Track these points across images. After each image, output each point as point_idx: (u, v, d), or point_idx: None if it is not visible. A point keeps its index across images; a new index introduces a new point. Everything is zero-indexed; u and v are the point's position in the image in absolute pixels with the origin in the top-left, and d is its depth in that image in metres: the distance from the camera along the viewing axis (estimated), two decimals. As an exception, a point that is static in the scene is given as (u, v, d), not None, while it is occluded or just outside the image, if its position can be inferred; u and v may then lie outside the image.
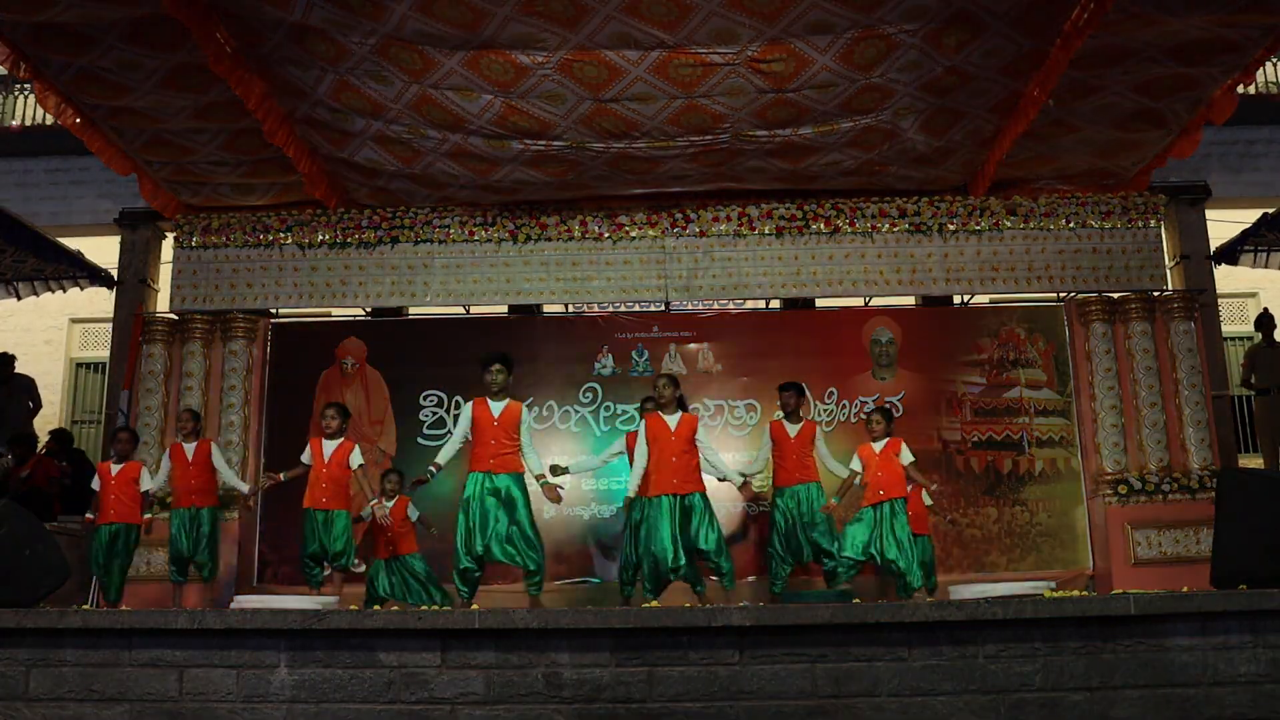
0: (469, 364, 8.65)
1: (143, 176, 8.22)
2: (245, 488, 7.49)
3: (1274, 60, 9.83)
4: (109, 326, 9.40)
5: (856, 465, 6.85)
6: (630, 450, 6.82)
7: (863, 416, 8.52)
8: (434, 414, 8.66)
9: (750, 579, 8.00)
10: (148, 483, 7.09)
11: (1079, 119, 7.55)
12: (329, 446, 6.88)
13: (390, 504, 6.92)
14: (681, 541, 6.05)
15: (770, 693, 4.27)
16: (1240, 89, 7.34)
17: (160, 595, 7.77)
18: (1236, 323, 10.58)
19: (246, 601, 5.83)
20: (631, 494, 6.25)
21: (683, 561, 6.05)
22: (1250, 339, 9.49)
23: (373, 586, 6.99)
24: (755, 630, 4.32)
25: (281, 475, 6.98)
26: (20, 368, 9.29)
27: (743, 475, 7.02)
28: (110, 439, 7.30)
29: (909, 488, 6.74)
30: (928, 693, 4.28)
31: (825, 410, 8.56)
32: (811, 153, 7.78)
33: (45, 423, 9.75)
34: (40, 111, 9.93)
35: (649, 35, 6.21)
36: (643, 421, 6.46)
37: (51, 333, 10.95)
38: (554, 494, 6.26)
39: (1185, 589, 6.29)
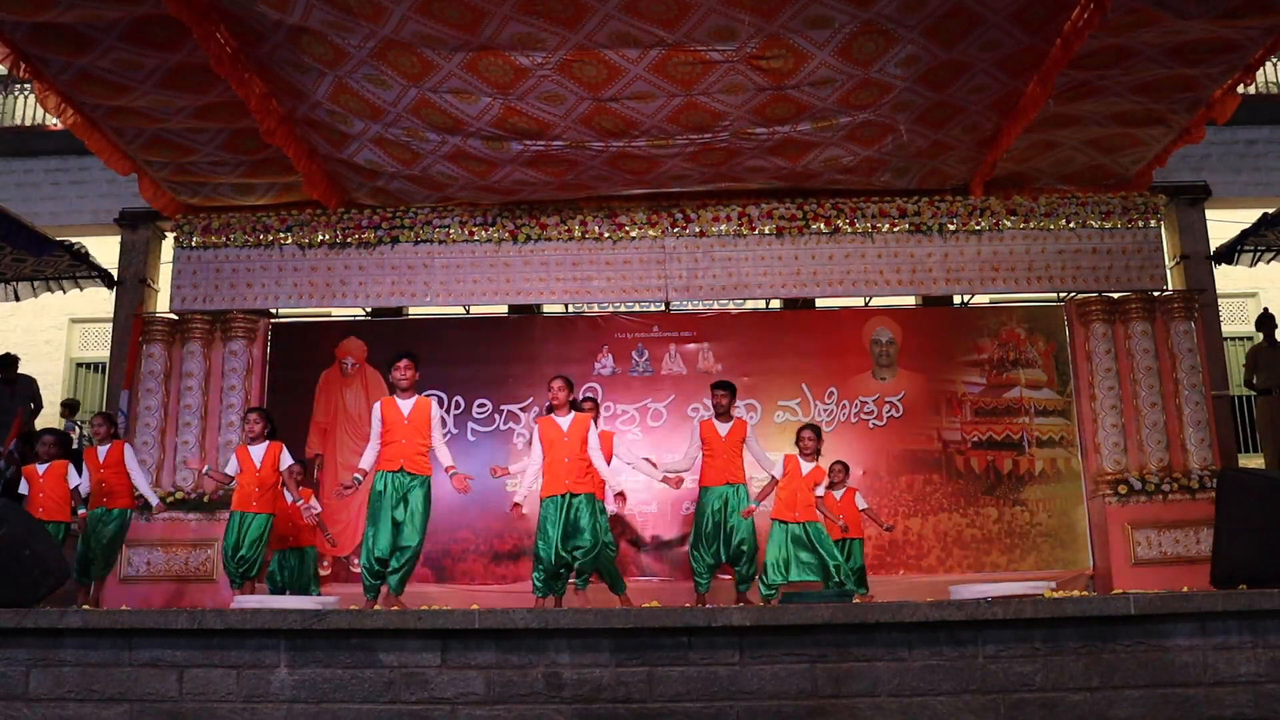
0: (469, 364, 8.75)
1: (143, 176, 8.22)
2: (154, 498, 7.27)
3: (1274, 60, 9.83)
4: (109, 326, 9.41)
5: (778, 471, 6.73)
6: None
7: (863, 417, 8.57)
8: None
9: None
10: (75, 479, 6.93)
11: (1079, 118, 7.55)
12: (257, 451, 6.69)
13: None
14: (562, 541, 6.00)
15: (770, 693, 4.27)
16: (1240, 89, 7.34)
17: (160, 595, 7.78)
18: (1236, 323, 10.58)
19: (246, 601, 5.83)
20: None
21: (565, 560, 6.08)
22: (1250, 339, 9.49)
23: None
24: (755, 630, 4.32)
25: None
26: (21, 368, 9.29)
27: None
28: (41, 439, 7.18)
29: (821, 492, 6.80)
30: (928, 693, 4.28)
31: (825, 410, 8.56)
32: (810, 148, 7.76)
33: (44, 423, 9.74)
34: (40, 111, 9.93)
35: (648, 33, 6.21)
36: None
37: (51, 333, 10.96)
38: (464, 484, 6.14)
39: (1185, 589, 6.30)
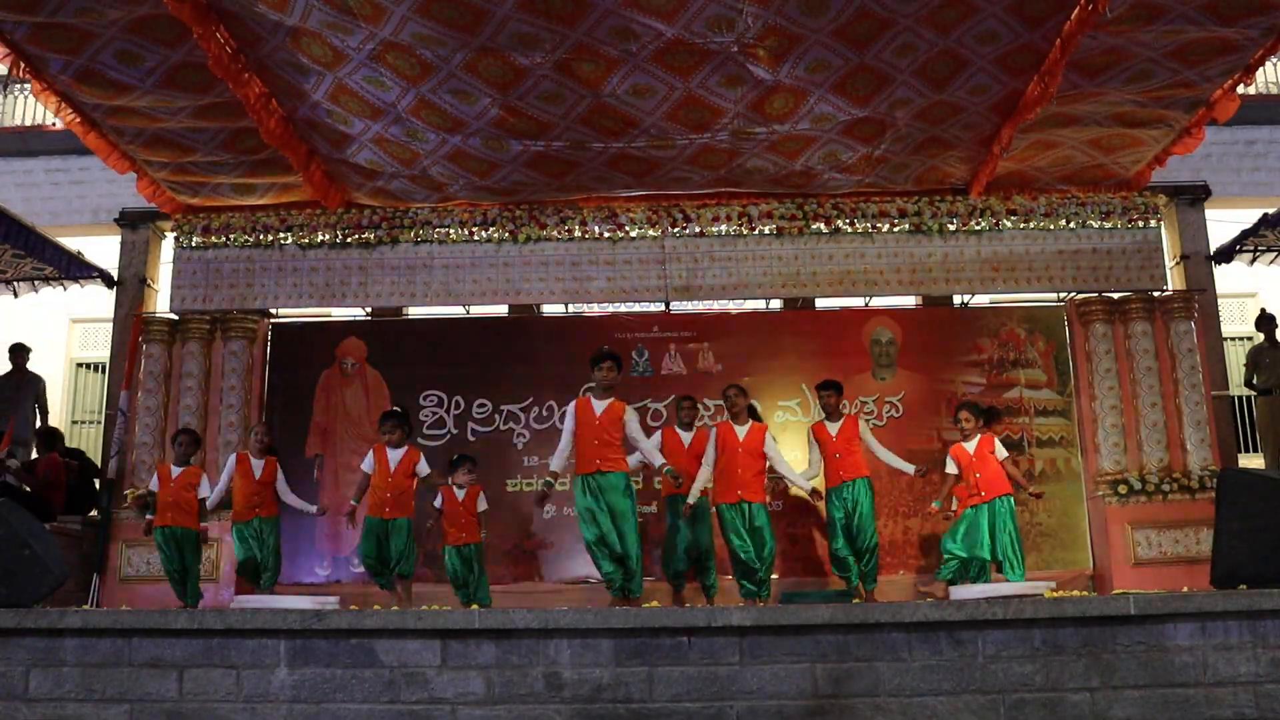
0: (469, 364, 8.75)
1: (142, 176, 8.22)
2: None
3: (1274, 60, 9.83)
4: (109, 326, 9.41)
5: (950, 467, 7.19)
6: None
7: (863, 417, 8.57)
8: (434, 414, 8.66)
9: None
10: (206, 490, 7.11)
11: (1079, 119, 7.55)
12: (394, 455, 6.91)
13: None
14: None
15: (770, 693, 4.27)
16: (1240, 89, 7.34)
17: (161, 595, 7.78)
18: (1236, 323, 10.58)
19: (246, 601, 5.83)
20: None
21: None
22: (1250, 339, 9.49)
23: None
24: (755, 630, 4.32)
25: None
26: (21, 368, 9.35)
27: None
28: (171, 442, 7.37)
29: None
30: (928, 693, 4.27)
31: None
32: (809, 144, 7.73)
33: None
34: (40, 111, 9.93)
35: (647, 27, 6.20)
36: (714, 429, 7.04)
37: (51, 333, 10.95)
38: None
39: (1185, 589, 6.30)
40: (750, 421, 6.91)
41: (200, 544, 7.17)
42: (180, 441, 7.23)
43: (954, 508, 7.16)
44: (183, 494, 7.00)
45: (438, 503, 7.09)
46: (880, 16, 6.25)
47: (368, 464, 6.92)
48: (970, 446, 7.10)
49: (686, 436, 7.24)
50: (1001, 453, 7.05)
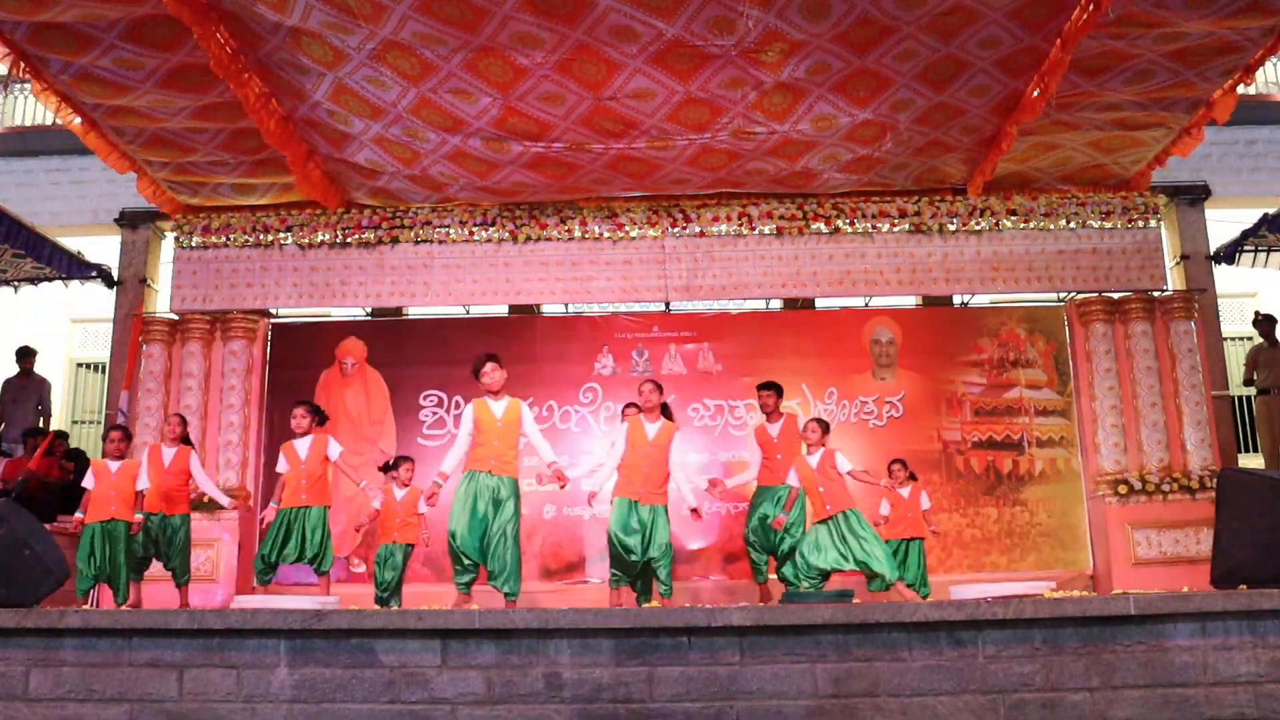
0: (469, 364, 8.72)
1: (142, 176, 8.22)
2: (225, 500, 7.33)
3: (1274, 60, 9.83)
4: (109, 326, 9.41)
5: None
6: None
7: (863, 417, 8.58)
8: (434, 414, 8.66)
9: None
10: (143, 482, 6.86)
11: (1079, 120, 7.55)
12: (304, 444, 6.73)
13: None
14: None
15: (770, 693, 4.26)
16: (1240, 89, 7.34)
17: (161, 595, 7.77)
18: (1236, 323, 10.58)
19: (246, 601, 5.83)
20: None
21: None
22: (1250, 339, 9.50)
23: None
24: (755, 630, 4.32)
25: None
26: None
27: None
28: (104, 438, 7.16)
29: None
30: (928, 693, 4.27)
31: (825, 410, 8.56)
32: (809, 148, 7.76)
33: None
34: (40, 111, 9.93)
35: (647, 26, 6.20)
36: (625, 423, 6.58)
37: (51, 333, 10.95)
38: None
39: (1185, 589, 6.29)
40: (662, 420, 6.47)
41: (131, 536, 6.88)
42: (113, 438, 6.93)
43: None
44: (123, 486, 6.71)
45: (376, 503, 6.95)
46: (882, 23, 6.25)
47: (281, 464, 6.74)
48: (813, 461, 6.60)
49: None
50: (844, 465, 6.55)
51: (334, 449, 6.74)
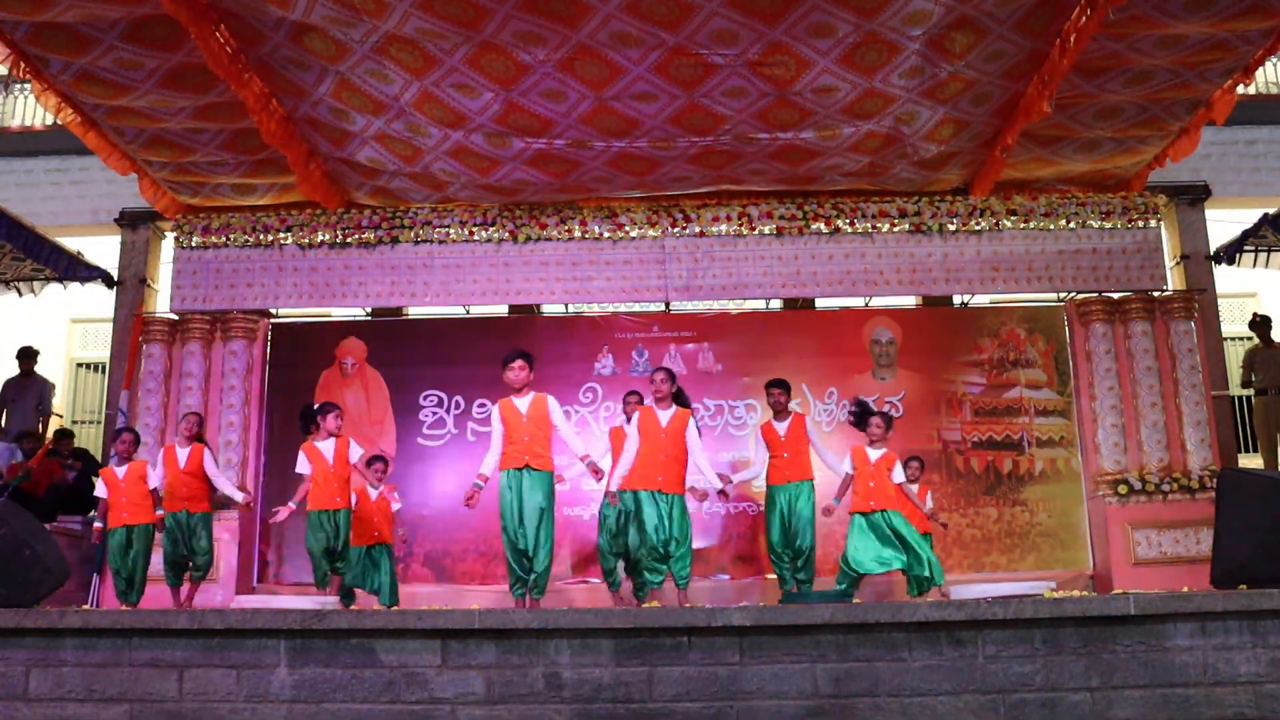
0: (469, 364, 8.75)
1: (142, 176, 8.22)
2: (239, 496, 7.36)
3: (1274, 60, 9.83)
4: (109, 326, 9.41)
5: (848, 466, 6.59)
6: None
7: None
8: (434, 414, 8.66)
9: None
10: (154, 480, 6.92)
11: (1079, 121, 7.55)
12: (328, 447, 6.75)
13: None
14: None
15: (770, 693, 4.26)
16: (1240, 89, 7.34)
17: (161, 595, 7.77)
18: (1236, 323, 10.57)
19: (246, 601, 5.84)
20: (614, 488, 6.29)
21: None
22: (1250, 339, 9.50)
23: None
24: (755, 630, 4.32)
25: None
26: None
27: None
28: (111, 441, 7.19)
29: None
30: (928, 693, 4.27)
31: (825, 410, 8.57)
32: (813, 156, 7.78)
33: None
34: (40, 111, 9.93)
35: (650, 34, 6.21)
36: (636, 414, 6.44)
37: (51, 333, 10.94)
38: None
39: (1185, 589, 6.29)
40: (675, 407, 6.37)
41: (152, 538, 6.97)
42: (125, 440, 7.04)
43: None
44: (135, 488, 6.83)
45: (397, 505, 6.95)
46: (888, 41, 6.26)
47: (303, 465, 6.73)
48: (873, 455, 6.47)
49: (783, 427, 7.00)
50: (899, 476, 6.47)
51: (354, 451, 6.76)
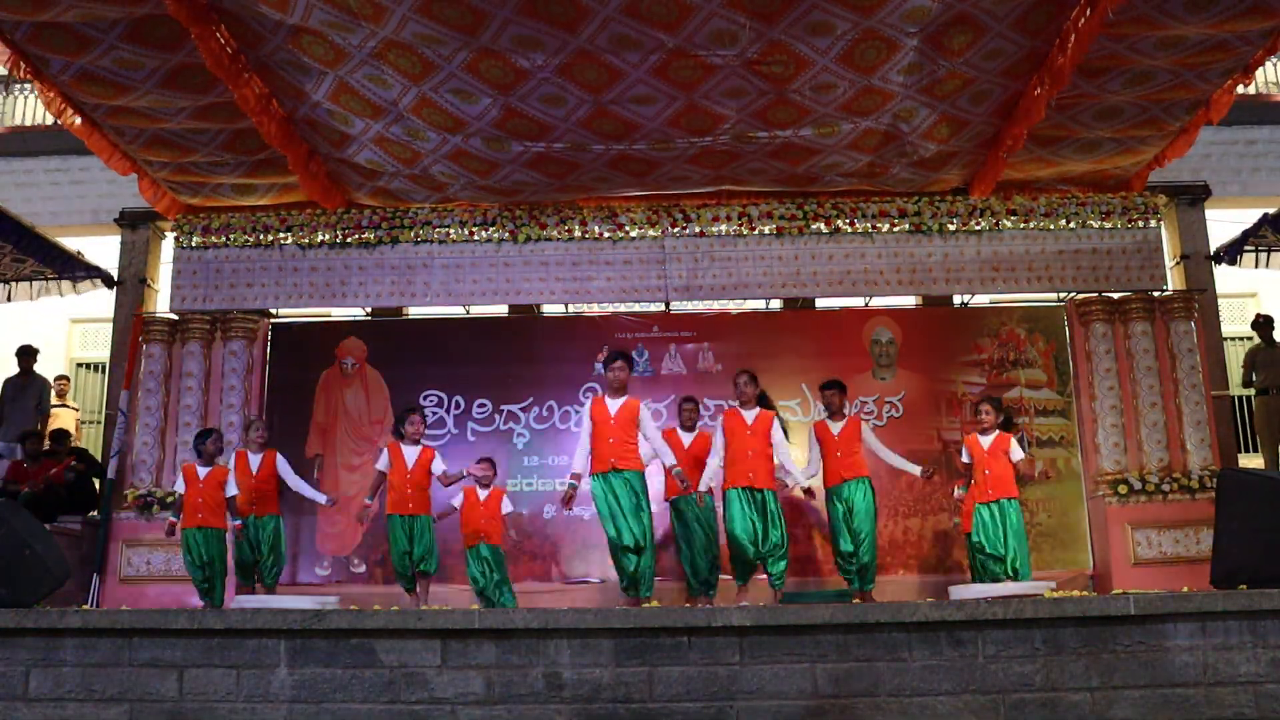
0: (469, 364, 8.75)
1: (143, 176, 8.22)
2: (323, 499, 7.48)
3: (1274, 60, 9.83)
4: (109, 326, 9.41)
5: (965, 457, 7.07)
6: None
7: (863, 417, 8.57)
8: (434, 414, 8.66)
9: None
10: (232, 488, 7.01)
11: (1080, 121, 7.55)
12: (412, 452, 6.90)
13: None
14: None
15: (770, 693, 4.27)
16: (1240, 89, 7.34)
17: (162, 595, 7.78)
18: (1236, 323, 10.58)
19: (246, 601, 5.84)
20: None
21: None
22: (1250, 339, 9.50)
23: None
24: (755, 630, 4.32)
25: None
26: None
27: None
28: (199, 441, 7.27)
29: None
30: (928, 693, 4.28)
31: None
32: (812, 154, 7.78)
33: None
34: (40, 111, 9.93)
35: (649, 36, 6.21)
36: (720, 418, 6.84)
37: (51, 333, 10.95)
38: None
39: (1185, 589, 6.30)
40: (758, 408, 6.70)
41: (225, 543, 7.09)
42: (212, 439, 7.19)
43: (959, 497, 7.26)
44: (212, 493, 6.95)
45: (456, 501, 7.09)
46: (886, 38, 6.26)
47: (383, 463, 6.94)
48: (986, 441, 6.98)
49: (687, 438, 7.18)
50: (1017, 454, 6.91)
51: (437, 465, 6.96)
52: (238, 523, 6.93)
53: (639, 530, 6.20)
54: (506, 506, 7.05)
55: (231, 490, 6.96)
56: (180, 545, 6.97)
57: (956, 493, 7.26)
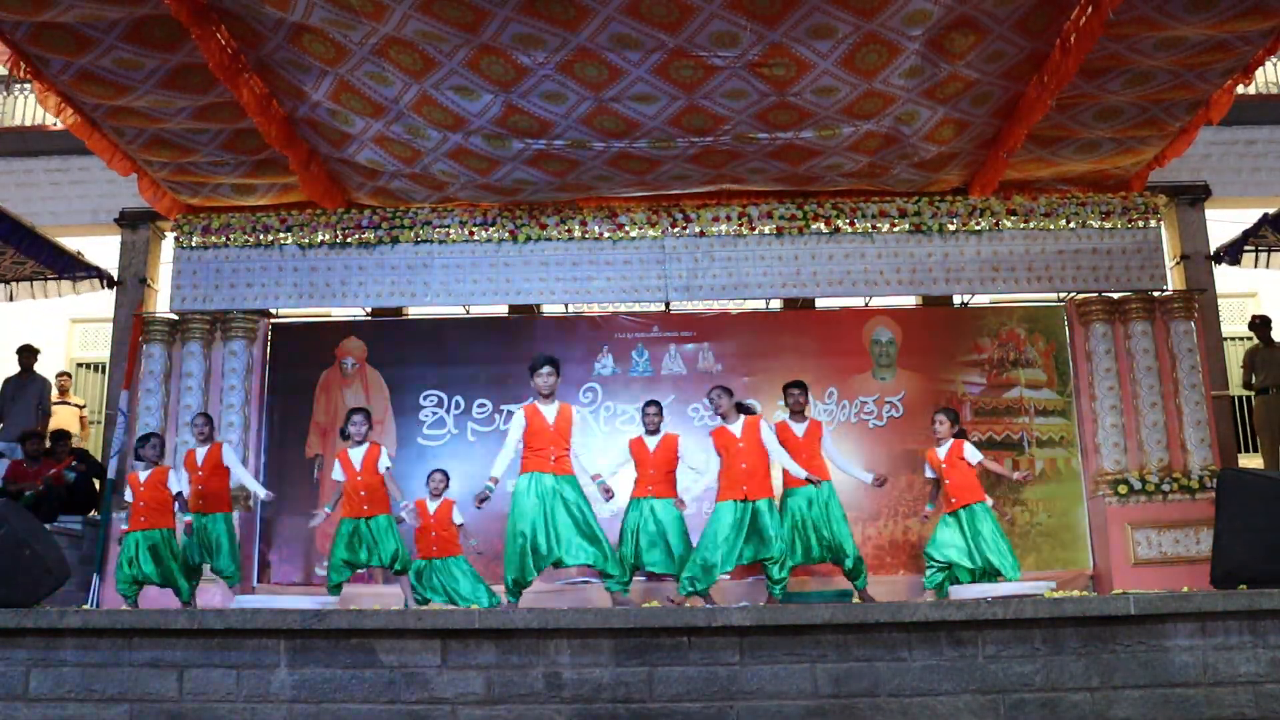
0: (469, 364, 8.75)
1: (143, 176, 8.22)
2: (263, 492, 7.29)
3: (1274, 60, 9.83)
4: (109, 326, 9.41)
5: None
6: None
7: (863, 417, 8.58)
8: (434, 414, 8.66)
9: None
10: (176, 485, 6.90)
11: (1080, 121, 7.55)
12: (358, 454, 6.74)
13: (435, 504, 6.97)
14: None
15: (770, 693, 4.27)
16: (1240, 89, 7.34)
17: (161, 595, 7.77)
18: (1236, 323, 10.58)
19: (246, 601, 5.83)
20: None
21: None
22: (1250, 339, 9.50)
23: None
24: (755, 630, 4.32)
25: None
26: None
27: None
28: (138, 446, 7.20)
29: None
30: (928, 693, 4.28)
31: (825, 410, 8.56)
32: (813, 155, 7.79)
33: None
34: (40, 111, 9.93)
35: (650, 36, 6.22)
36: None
37: (51, 333, 10.95)
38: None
39: (1185, 589, 6.30)
40: (741, 417, 6.54)
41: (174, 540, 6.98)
42: (150, 444, 7.05)
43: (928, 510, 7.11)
44: (154, 493, 6.84)
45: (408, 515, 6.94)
46: (887, 41, 6.26)
47: (336, 472, 6.77)
48: (942, 452, 6.88)
49: (651, 441, 6.89)
50: (973, 456, 6.78)
51: (383, 461, 6.75)
52: (188, 518, 6.82)
53: (557, 538, 6.08)
54: (458, 518, 6.94)
55: (176, 486, 6.84)
56: (122, 551, 6.84)
57: (926, 509, 7.08)
